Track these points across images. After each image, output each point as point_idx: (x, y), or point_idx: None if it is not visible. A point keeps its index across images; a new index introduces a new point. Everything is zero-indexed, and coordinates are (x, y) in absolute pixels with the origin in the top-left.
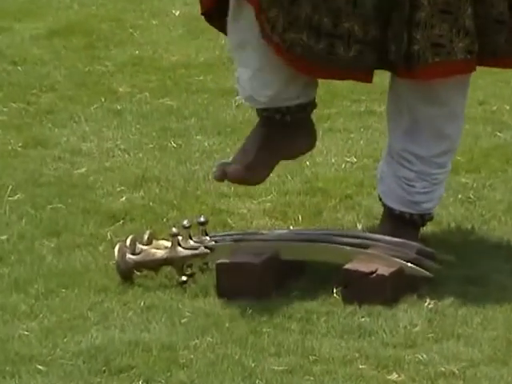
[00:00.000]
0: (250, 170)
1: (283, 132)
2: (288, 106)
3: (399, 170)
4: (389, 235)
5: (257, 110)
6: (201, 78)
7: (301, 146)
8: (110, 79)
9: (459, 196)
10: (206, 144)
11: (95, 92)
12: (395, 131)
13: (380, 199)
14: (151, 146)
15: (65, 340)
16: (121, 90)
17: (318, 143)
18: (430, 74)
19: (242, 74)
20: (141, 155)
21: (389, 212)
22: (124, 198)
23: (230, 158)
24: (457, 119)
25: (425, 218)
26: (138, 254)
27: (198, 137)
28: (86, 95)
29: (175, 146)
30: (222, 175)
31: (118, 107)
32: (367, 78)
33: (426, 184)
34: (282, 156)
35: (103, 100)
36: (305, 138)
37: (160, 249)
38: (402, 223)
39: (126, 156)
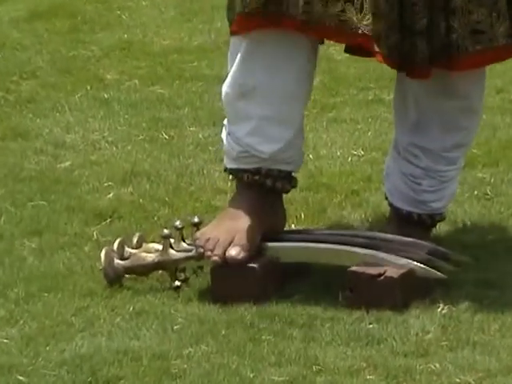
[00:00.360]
0: (247, 251)
1: (269, 202)
2: (280, 169)
3: (405, 167)
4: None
5: (242, 175)
6: (195, 63)
7: (281, 221)
8: (96, 65)
9: (475, 192)
10: (201, 136)
11: (80, 79)
12: (402, 125)
13: (386, 198)
14: (141, 137)
15: (47, 348)
16: (108, 76)
17: (322, 134)
18: (472, 64)
19: (237, 131)
20: (129, 148)
21: (395, 212)
22: (111, 195)
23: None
24: (474, 113)
25: (435, 218)
26: (127, 258)
27: (191, 128)
28: (70, 82)
29: (167, 137)
30: (222, 259)
31: (105, 96)
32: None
33: (434, 182)
34: (263, 231)
35: (89, 88)
36: (284, 216)
37: (151, 252)
38: (409, 224)
39: (114, 149)
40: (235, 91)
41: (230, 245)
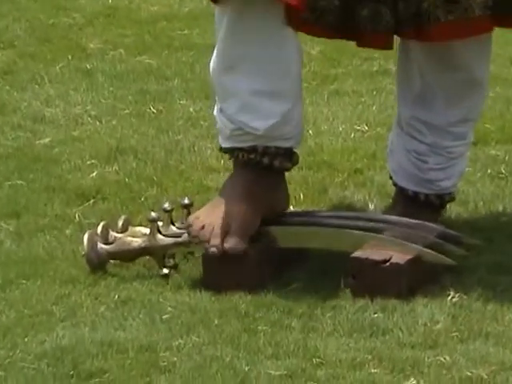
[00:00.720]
0: (246, 240)
1: (268, 182)
2: (278, 146)
3: (409, 143)
4: (401, 216)
5: (237, 154)
6: (185, 32)
7: (283, 203)
8: (78, 33)
9: (488, 171)
10: (192, 110)
11: (61, 48)
12: (405, 97)
13: (391, 177)
14: (127, 111)
15: (26, 340)
16: (91, 46)
17: (323, 108)
18: (443, 35)
19: (227, 108)
20: (114, 123)
21: (401, 192)
22: (95, 174)
23: (201, 215)
24: (477, 86)
25: (444, 198)
26: (112, 242)
27: (181, 101)
28: (50, 52)
29: (155, 111)
30: (220, 251)
31: (88, 66)
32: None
33: (441, 159)
34: (263, 214)
35: (70, 58)
36: (286, 195)
37: (137, 236)
38: (416, 205)
39: (98, 124)
40: (221, 66)
41: (226, 233)
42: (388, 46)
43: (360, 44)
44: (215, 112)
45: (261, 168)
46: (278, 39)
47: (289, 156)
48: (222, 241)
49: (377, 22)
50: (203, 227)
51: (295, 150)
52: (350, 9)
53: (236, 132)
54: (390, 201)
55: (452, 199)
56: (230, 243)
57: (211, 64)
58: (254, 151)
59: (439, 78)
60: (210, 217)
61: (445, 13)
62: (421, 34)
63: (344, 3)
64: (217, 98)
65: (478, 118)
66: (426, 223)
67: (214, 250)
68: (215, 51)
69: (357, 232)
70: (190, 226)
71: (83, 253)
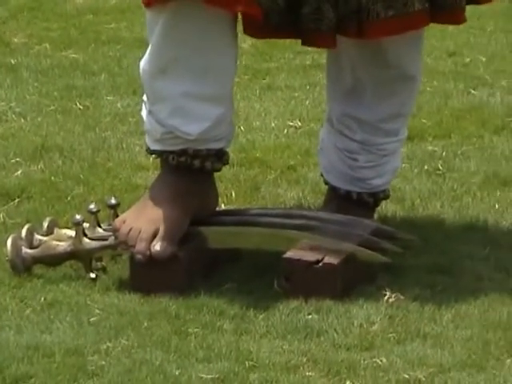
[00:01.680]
0: (173, 244)
1: (197, 184)
2: (209, 148)
3: (340, 141)
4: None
5: (166, 157)
6: (112, 25)
7: (213, 203)
8: (1, 27)
9: (425, 167)
10: (119, 105)
11: None
12: (335, 92)
13: (322, 175)
14: (52, 108)
15: None
16: (15, 40)
17: (255, 104)
18: (383, 32)
19: (158, 112)
20: (40, 120)
21: (333, 191)
22: (19, 172)
23: (128, 214)
24: (409, 81)
25: (378, 196)
26: (37, 246)
27: (108, 97)
28: None
29: (81, 108)
30: (146, 257)
31: (12, 61)
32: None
33: (372, 157)
34: (192, 216)
35: None
36: (215, 194)
37: (63, 240)
38: (349, 204)
39: (22, 121)
40: (153, 67)
41: (153, 237)
42: (332, 44)
43: (305, 43)
44: (143, 113)
45: (191, 170)
46: (215, 44)
47: (220, 157)
48: (149, 246)
49: (319, 21)
50: (130, 231)
51: (225, 150)
52: (294, 7)
53: (166, 136)
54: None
55: (386, 197)
56: (157, 248)
57: (142, 65)
58: (184, 154)
59: (370, 73)
60: (136, 220)
61: (384, 8)
62: (361, 31)
63: (287, 1)
64: (146, 100)
65: (410, 113)
66: (360, 219)
67: (139, 257)
68: (147, 54)
69: (289, 231)
70: (116, 229)
71: (7, 258)
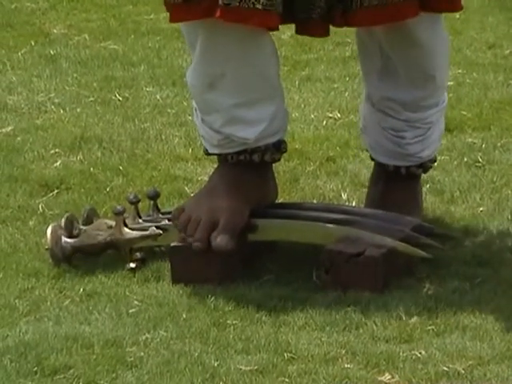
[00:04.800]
0: (235, 238)
1: (257, 176)
2: (267, 143)
3: (383, 120)
4: (383, 194)
5: (225, 157)
6: (151, 16)
7: (273, 194)
8: (41, 18)
9: (465, 159)
10: (158, 97)
11: (23, 34)
12: (369, 76)
13: (367, 150)
14: (92, 99)
15: None
16: (55, 31)
17: (294, 95)
18: (368, 21)
19: (212, 122)
20: (79, 110)
21: (381, 168)
22: (59, 163)
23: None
24: (435, 57)
25: (426, 166)
26: (76, 236)
27: (148, 88)
28: (13, 38)
29: (121, 99)
30: (205, 245)
31: (52, 52)
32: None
33: (419, 131)
34: (251, 207)
35: (33, 44)
36: (275, 185)
37: (102, 229)
38: (398, 179)
39: (61, 112)
40: (202, 82)
41: (213, 227)
42: (325, 33)
43: (298, 32)
44: (196, 120)
45: (251, 164)
46: (253, 50)
47: (278, 147)
48: (208, 235)
49: (311, 10)
50: (189, 221)
51: (283, 139)
52: None
53: (223, 141)
54: (364, 190)
55: (433, 163)
56: (219, 241)
57: (189, 80)
58: (243, 152)
59: (398, 51)
60: (195, 210)
61: None
62: (346, 20)
63: None
64: (197, 109)
65: (447, 84)
66: (402, 216)
67: (198, 244)
68: (192, 69)
69: (330, 225)
70: (175, 218)
71: (47, 247)
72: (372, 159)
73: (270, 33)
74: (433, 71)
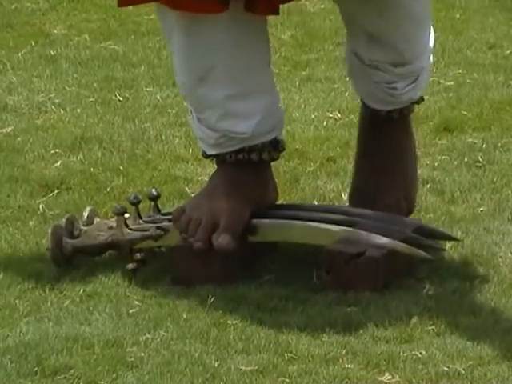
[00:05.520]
0: (236, 237)
1: (256, 175)
2: (263, 141)
3: (375, 75)
4: (373, 139)
5: (224, 157)
6: (151, 16)
7: (272, 194)
8: (41, 19)
9: (465, 159)
10: (159, 97)
11: (24, 34)
12: (357, 37)
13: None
14: (92, 99)
15: None
16: (55, 31)
17: (294, 95)
18: None
19: (207, 119)
20: (79, 111)
21: (373, 113)
22: (59, 163)
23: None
24: (416, 19)
25: (418, 102)
26: (77, 236)
27: (148, 88)
28: (13, 38)
29: (121, 99)
30: (206, 245)
31: (52, 53)
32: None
33: (410, 80)
34: (252, 208)
35: (33, 44)
36: (274, 186)
37: (103, 230)
38: (389, 123)
39: (62, 112)
40: (192, 78)
41: (213, 228)
42: (275, 11)
43: (248, 9)
44: (191, 121)
45: (249, 164)
46: (248, 44)
47: (275, 145)
48: (209, 235)
49: None
50: (189, 221)
51: (280, 138)
52: None
53: (221, 140)
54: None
55: (422, 100)
56: (221, 241)
57: (179, 78)
58: (241, 151)
59: (377, 19)
60: (196, 211)
61: None
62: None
63: None
64: (192, 109)
65: (433, 42)
66: (403, 217)
67: (199, 244)
68: (180, 65)
69: (330, 226)
70: (175, 219)
71: (47, 247)
72: (362, 102)
73: (269, 33)
74: (414, 34)
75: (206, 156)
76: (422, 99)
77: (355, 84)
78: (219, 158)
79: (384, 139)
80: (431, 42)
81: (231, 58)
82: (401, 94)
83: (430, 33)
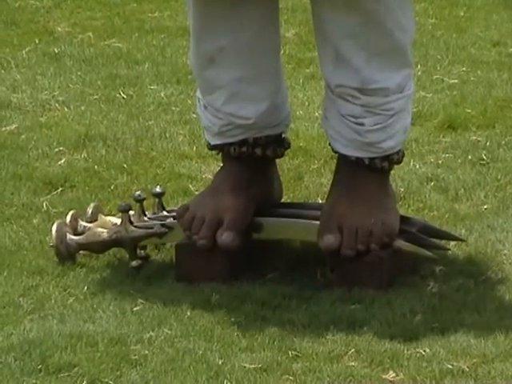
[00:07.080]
0: (241, 235)
1: (261, 172)
2: (268, 135)
3: (342, 107)
4: (347, 188)
5: (228, 150)
6: (155, 14)
7: (278, 192)
8: (45, 16)
9: (469, 157)
10: (163, 95)
11: (28, 32)
12: (324, 62)
13: (329, 144)
14: (96, 97)
15: None
16: (59, 29)
17: (298, 93)
18: None
19: (214, 101)
20: (83, 108)
21: (343, 160)
22: (63, 161)
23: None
24: (383, 29)
25: (392, 159)
26: (81, 233)
27: (152, 86)
28: (17, 36)
29: (125, 97)
30: (210, 242)
31: (56, 50)
32: None
33: (379, 118)
34: (256, 205)
35: (37, 42)
36: (279, 184)
37: (107, 227)
38: (361, 172)
39: (66, 109)
40: (201, 59)
41: (218, 225)
42: None
43: None
44: (199, 110)
45: (254, 159)
46: (256, 25)
47: (280, 142)
48: (213, 233)
49: None
50: (193, 219)
51: (284, 136)
52: None
53: (225, 128)
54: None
55: (401, 158)
56: (225, 238)
57: (191, 58)
58: (245, 144)
59: (340, 25)
60: (200, 209)
61: None
62: None
63: None
64: (200, 95)
65: (410, 64)
66: (408, 217)
67: (203, 242)
68: (192, 46)
69: None
70: (179, 217)
71: (51, 244)
72: (334, 152)
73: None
74: (380, 46)
75: (210, 148)
76: (398, 157)
77: (327, 128)
78: (223, 152)
79: (355, 189)
80: (408, 90)
81: (239, 41)
82: (368, 131)
83: (407, 77)
